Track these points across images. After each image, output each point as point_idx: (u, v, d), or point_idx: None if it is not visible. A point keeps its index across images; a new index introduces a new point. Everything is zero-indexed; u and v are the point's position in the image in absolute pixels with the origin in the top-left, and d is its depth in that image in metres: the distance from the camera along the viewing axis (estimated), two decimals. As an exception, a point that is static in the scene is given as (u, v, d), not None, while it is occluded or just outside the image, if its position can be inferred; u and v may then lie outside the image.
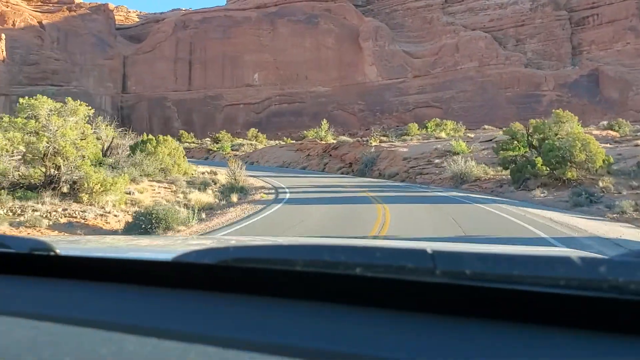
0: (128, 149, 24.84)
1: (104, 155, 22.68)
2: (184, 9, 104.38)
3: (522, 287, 0.80)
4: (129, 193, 18.00)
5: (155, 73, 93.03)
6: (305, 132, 64.24)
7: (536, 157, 25.27)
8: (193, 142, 73.65)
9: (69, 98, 17.97)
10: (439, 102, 75.65)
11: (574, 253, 1.93)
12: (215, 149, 64.98)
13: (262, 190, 24.02)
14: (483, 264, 0.84)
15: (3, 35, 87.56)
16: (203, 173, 28.56)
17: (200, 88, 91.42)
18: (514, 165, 26.89)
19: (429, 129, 54.12)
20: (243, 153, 59.43)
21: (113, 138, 24.41)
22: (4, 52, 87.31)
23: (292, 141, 62.94)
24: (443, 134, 47.38)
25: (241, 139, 70.54)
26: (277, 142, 66.01)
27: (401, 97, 78.89)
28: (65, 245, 1.60)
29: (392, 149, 40.60)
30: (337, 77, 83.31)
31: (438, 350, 0.77)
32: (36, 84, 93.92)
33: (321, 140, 54.91)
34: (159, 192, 20.25)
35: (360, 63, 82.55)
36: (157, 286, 1.12)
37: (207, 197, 19.71)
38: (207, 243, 2.20)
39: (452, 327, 0.84)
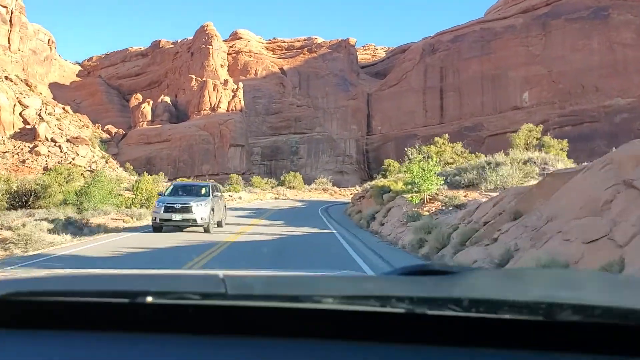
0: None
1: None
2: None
3: (308, 305, 0.84)
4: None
5: (402, 108, 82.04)
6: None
7: None
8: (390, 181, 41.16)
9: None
10: None
11: (350, 273, 2.01)
12: (402, 188, 22.95)
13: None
14: (270, 286, 0.92)
15: (241, 85, 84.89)
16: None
17: (454, 119, 77.39)
18: None
19: None
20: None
21: None
22: (242, 102, 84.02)
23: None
24: None
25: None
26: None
27: None
28: None
29: None
30: (642, 83, 61.95)
31: None
32: (279, 133, 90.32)
33: None
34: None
35: (678, 59, 60.26)
36: None
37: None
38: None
39: (255, 347, 0.85)
